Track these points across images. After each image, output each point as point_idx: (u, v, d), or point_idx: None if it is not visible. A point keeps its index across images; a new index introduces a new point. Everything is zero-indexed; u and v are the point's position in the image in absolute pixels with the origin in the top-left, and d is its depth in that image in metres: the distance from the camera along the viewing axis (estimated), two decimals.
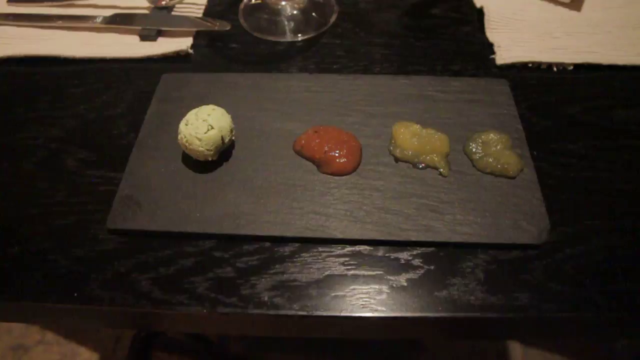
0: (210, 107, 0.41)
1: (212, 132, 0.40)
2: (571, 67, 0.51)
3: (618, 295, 0.36)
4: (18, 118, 0.48)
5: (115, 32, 0.54)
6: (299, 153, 0.42)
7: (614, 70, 0.51)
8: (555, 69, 0.51)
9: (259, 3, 0.57)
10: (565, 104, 0.48)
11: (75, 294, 0.36)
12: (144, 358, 0.83)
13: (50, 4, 0.57)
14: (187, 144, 0.40)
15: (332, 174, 0.41)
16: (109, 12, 0.55)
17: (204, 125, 0.40)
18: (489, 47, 0.53)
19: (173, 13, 0.56)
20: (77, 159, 0.44)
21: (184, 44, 0.52)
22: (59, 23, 0.54)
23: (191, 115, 0.40)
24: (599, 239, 0.38)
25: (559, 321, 0.36)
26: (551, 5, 0.57)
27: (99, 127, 0.47)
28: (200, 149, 0.40)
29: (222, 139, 0.40)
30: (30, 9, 0.57)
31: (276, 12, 0.56)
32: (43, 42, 0.53)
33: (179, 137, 0.40)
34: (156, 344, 0.83)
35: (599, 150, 0.44)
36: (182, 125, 0.40)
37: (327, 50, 0.53)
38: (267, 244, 0.38)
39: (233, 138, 0.42)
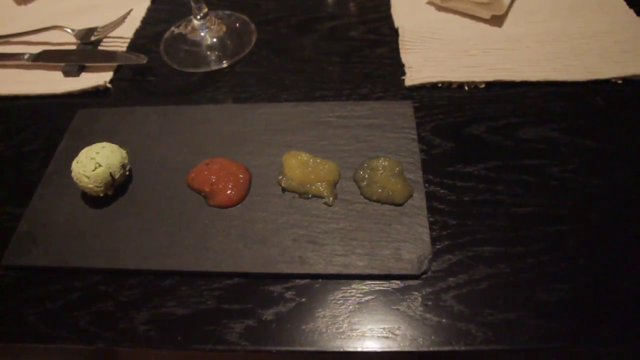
0: (101, 144, 0.43)
1: (99, 170, 0.41)
2: (483, 86, 0.50)
3: (496, 327, 0.35)
4: None
5: (42, 68, 0.56)
6: (190, 186, 0.43)
7: (528, 86, 0.50)
8: (466, 87, 0.50)
9: (179, 34, 0.58)
10: (471, 124, 0.47)
11: None
12: None
13: None
14: (77, 182, 0.42)
15: (219, 206, 0.42)
16: (39, 49, 0.57)
17: (91, 163, 0.41)
18: (402, 69, 0.52)
19: (99, 48, 0.58)
20: None
21: (102, 78, 0.54)
22: None
23: (82, 154, 0.42)
24: (485, 267, 0.38)
25: (431, 355, 0.35)
26: (472, 22, 0.56)
27: (13, 164, 0.49)
28: (90, 186, 0.41)
29: (112, 175, 0.42)
30: None
31: (196, 44, 0.57)
32: None
33: (72, 174, 0.42)
34: None
35: (500, 172, 0.43)
36: (73, 164, 0.42)
37: (239, 79, 0.54)
38: (151, 277, 0.39)
39: (127, 173, 0.44)
